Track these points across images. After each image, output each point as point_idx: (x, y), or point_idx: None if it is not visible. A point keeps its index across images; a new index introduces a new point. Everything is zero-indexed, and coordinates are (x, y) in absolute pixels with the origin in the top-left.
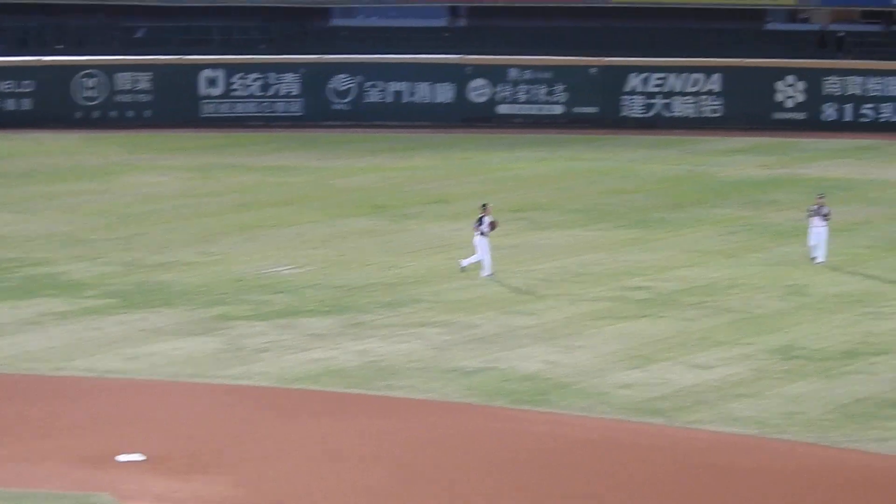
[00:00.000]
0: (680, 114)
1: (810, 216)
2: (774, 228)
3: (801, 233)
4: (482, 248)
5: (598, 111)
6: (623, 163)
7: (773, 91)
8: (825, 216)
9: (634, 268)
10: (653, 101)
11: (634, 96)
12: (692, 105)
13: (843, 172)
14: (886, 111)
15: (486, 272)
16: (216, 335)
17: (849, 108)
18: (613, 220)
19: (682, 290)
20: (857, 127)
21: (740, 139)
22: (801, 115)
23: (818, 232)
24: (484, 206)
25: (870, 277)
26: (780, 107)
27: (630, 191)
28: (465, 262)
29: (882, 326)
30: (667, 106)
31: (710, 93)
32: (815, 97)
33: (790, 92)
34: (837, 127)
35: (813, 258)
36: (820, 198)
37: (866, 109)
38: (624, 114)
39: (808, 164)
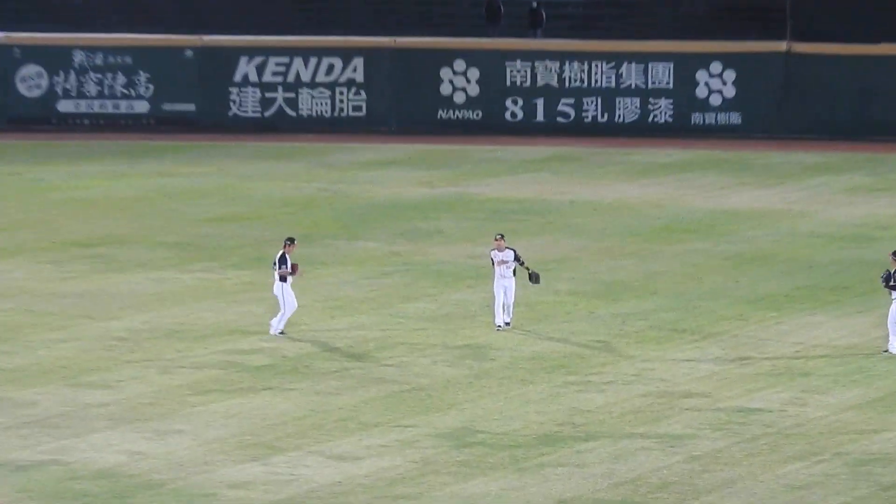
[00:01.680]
0: (310, 113)
1: (497, 265)
2: (441, 269)
3: (477, 275)
4: (286, 299)
5: (196, 109)
6: (233, 179)
7: (438, 81)
8: (515, 263)
9: (250, 324)
10: (273, 94)
11: (247, 88)
12: (327, 100)
13: (533, 192)
14: (591, 108)
15: (274, 329)
16: None
17: (540, 103)
18: (220, 259)
19: (317, 353)
20: (552, 129)
21: (393, 146)
22: (475, 114)
23: (504, 285)
24: (290, 241)
25: (572, 335)
26: (447, 102)
27: (243, 218)
28: (276, 329)
29: (591, 401)
30: (291, 102)
31: (350, 83)
32: (495, 89)
33: (460, 82)
34: (526, 129)
35: (498, 326)
36: (499, 238)
37: (565, 106)
38: (233, 112)
39: (485, 179)
